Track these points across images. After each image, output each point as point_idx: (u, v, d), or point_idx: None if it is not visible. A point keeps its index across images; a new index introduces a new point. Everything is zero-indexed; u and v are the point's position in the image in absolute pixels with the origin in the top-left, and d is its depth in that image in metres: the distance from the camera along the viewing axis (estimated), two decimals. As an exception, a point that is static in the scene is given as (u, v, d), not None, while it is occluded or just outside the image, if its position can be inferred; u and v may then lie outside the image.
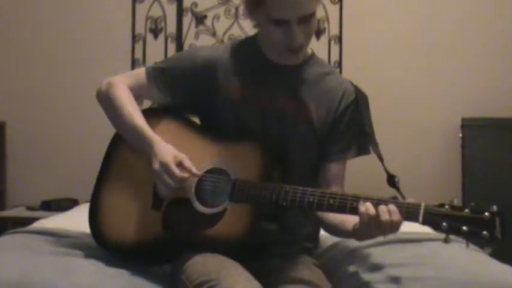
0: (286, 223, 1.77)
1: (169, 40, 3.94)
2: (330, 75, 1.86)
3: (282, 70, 1.80)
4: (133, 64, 3.90)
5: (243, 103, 1.77)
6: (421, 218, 1.44)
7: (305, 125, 1.79)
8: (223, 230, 1.63)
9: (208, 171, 1.71)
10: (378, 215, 1.47)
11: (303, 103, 1.79)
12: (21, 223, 2.90)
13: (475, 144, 3.60)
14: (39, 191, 3.81)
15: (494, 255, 1.96)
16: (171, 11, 3.94)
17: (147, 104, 2.23)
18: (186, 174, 1.65)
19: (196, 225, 1.66)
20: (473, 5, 3.87)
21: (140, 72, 1.87)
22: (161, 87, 1.83)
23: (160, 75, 1.83)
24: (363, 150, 1.84)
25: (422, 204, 1.46)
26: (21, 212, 3.66)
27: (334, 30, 3.87)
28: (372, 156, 1.82)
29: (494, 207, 1.40)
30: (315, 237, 1.96)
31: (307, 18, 1.66)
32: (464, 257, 1.81)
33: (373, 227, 1.48)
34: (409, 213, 1.46)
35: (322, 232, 1.90)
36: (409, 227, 1.57)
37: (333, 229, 1.77)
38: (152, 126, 1.76)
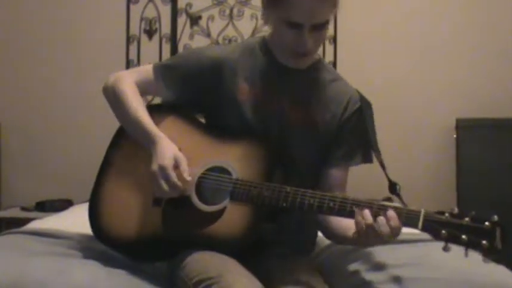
0: (285, 224, 1.77)
1: (163, 41, 3.94)
2: (337, 82, 1.87)
3: (290, 73, 1.81)
4: (128, 65, 3.89)
5: (249, 103, 1.78)
6: (420, 225, 1.44)
7: (309, 129, 1.79)
8: (222, 229, 1.64)
9: (211, 169, 1.72)
10: (375, 223, 1.46)
11: (308, 106, 1.80)
12: (15, 224, 2.89)
13: (470, 144, 3.61)
14: (33, 192, 3.80)
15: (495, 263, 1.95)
16: (166, 11, 3.94)
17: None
18: (179, 183, 1.64)
19: (196, 222, 1.67)
20: (468, 6, 3.88)
21: (147, 68, 1.88)
22: (167, 84, 1.84)
23: (167, 72, 1.84)
24: (366, 158, 1.85)
25: (422, 211, 1.45)
26: (16, 213, 3.64)
27: (329, 30, 3.86)
28: (372, 162, 1.83)
29: (495, 217, 1.39)
30: (313, 239, 1.96)
31: (320, 26, 1.68)
32: (460, 257, 1.81)
33: (371, 236, 1.47)
34: (409, 219, 1.45)
35: (319, 233, 1.90)
36: (408, 229, 1.57)
37: (335, 237, 1.77)
38: (157, 122, 1.78)
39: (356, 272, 1.80)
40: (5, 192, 3.93)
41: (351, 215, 1.52)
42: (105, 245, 1.79)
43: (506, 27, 3.85)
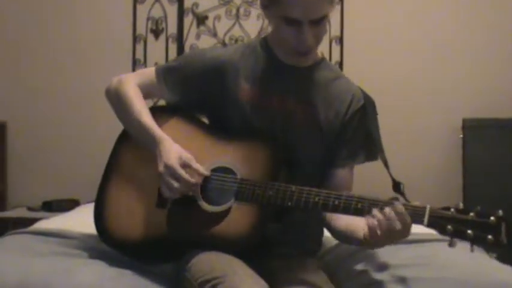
0: (290, 224, 1.77)
1: (170, 41, 3.94)
2: (340, 80, 1.86)
3: (292, 71, 1.81)
4: (134, 65, 3.90)
5: (252, 103, 1.78)
6: (426, 221, 1.44)
7: (313, 127, 1.79)
8: (227, 229, 1.64)
9: (215, 170, 1.72)
10: (386, 219, 1.45)
11: (311, 105, 1.79)
12: (22, 224, 2.89)
13: (476, 144, 3.60)
14: (40, 192, 3.81)
15: (501, 259, 1.95)
16: (172, 11, 3.94)
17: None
18: (193, 180, 1.65)
19: (201, 223, 1.67)
20: (474, 6, 3.87)
21: (150, 70, 1.89)
22: (170, 86, 1.84)
23: (170, 74, 1.84)
24: (370, 156, 1.84)
25: (428, 207, 1.45)
26: (22, 213, 3.65)
27: (335, 30, 3.87)
28: (376, 161, 1.82)
29: (500, 212, 1.39)
30: (319, 239, 1.96)
31: (319, 21, 1.66)
32: (466, 257, 1.81)
33: (382, 233, 1.46)
34: (414, 215, 1.45)
35: (325, 233, 1.90)
36: (413, 229, 1.57)
37: (344, 238, 1.76)
38: (160, 124, 1.78)
39: (363, 272, 1.79)
40: (11, 192, 3.94)
41: (356, 212, 1.52)
42: (110, 247, 1.79)
43: (513, 27, 3.85)
